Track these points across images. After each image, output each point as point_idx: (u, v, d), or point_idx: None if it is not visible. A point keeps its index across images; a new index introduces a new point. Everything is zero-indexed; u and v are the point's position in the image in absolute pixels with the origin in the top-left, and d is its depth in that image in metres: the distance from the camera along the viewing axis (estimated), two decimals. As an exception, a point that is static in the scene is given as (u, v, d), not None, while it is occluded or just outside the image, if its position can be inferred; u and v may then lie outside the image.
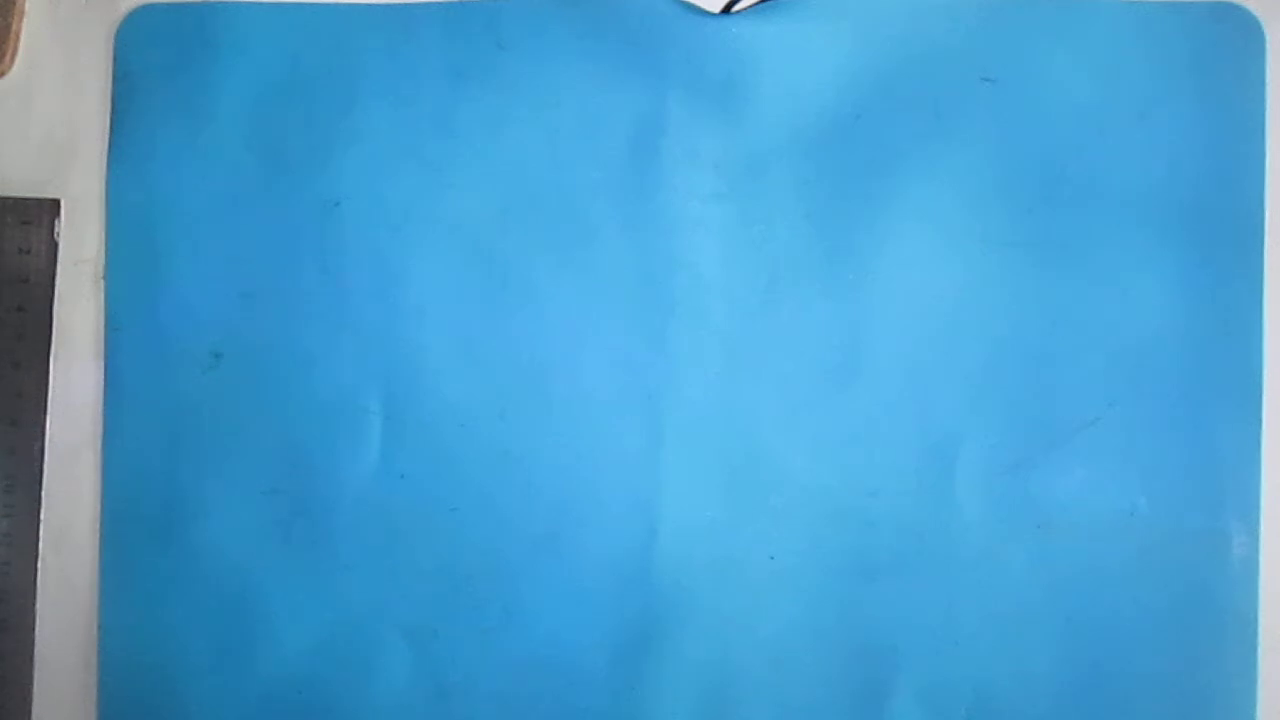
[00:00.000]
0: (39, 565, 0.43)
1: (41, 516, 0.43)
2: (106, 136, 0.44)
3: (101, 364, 0.44)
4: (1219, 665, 0.41)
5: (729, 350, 0.42)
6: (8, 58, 0.44)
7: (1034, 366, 0.42)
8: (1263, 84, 0.42)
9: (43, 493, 0.43)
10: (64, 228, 0.44)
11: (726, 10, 0.43)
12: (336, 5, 0.44)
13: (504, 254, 0.43)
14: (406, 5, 0.43)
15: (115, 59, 0.44)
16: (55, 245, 0.44)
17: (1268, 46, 0.42)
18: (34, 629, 0.43)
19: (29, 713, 0.43)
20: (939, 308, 0.42)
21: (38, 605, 0.43)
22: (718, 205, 0.43)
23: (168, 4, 0.44)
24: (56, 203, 0.44)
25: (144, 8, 0.44)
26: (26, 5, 0.44)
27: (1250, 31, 0.42)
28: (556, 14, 0.43)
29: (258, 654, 0.43)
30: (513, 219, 0.43)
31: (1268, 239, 0.41)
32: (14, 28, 0.44)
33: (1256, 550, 0.41)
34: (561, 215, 0.43)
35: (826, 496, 0.42)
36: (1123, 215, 0.42)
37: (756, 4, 0.43)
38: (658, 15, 0.43)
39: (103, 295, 0.44)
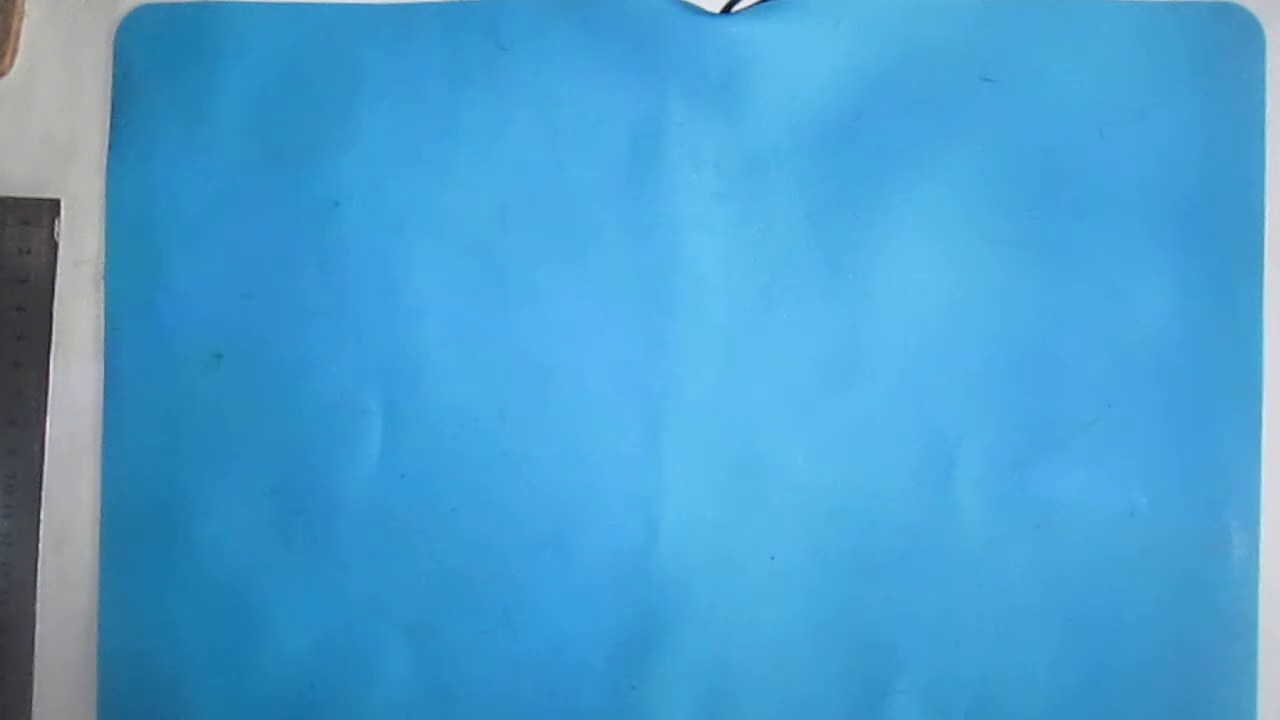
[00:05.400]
0: (39, 565, 0.43)
1: (41, 516, 0.43)
2: (106, 136, 0.44)
3: (101, 364, 0.43)
4: (1219, 665, 0.41)
5: (729, 350, 0.42)
6: (8, 58, 0.44)
7: (1034, 367, 0.42)
8: (1263, 84, 0.42)
9: (43, 493, 0.43)
10: (64, 228, 0.44)
11: (726, 10, 0.43)
12: (336, 5, 0.44)
13: (504, 254, 0.43)
14: (406, 5, 0.43)
15: (115, 59, 0.44)
16: (55, 245, 0.44)
17: (1268, 46, 0.42)
18: (34, 629, 0.43)
19: (29, 713, 0.43)
20: (939, 308, 0.42)
21: (38, 605, 0.43)
22: (718, 205, 0.42)
23: (168, 4, 0.44)
24: (56, 203, 0.44)
25: (144, 8, 0.44)
26: (26, 5, 0.44)
27: (1250, 31, 0.42)
28: (556, 14, 0.43)
29: (258, 653, 0.43)
30: (513, 219, 0.43)
31: (1268, 239, 0.41)
32: (14, 28, 0.44)
33: (1256, 550, 0.41)
34: (562, 215, 0.43)
35: (826, 496, 0.42)
36: (1123, 215, 0.42)
37: (756, 4, 0.43)
38: (658, 15, 0.43)
39: (103, 295, 0.44)
